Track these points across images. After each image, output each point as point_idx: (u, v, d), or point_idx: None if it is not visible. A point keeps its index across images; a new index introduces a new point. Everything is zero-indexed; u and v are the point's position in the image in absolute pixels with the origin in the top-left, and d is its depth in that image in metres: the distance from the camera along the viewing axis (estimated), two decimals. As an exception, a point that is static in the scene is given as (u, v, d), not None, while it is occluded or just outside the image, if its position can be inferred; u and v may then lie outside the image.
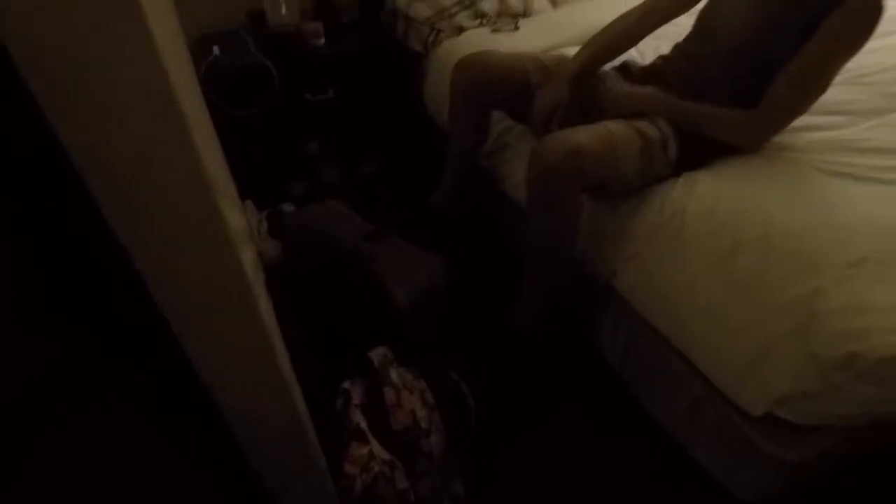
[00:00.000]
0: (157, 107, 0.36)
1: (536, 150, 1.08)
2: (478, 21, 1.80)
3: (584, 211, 1.17)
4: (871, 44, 1.62)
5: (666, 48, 1.34)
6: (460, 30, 1.78)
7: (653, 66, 1.31)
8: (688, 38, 1.27)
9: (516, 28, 1.74)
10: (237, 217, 0.90)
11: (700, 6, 1.25)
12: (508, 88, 1.32)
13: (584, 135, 1.07)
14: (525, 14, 1.86)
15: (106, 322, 0.51)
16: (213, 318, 0.48)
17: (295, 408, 0.59)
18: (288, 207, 1.79)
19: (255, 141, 1.76)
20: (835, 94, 1.38)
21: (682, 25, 1.30)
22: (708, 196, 1.04)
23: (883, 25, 1.74)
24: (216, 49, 1.63)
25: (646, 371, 1.21)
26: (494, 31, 1.74)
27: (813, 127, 1.27)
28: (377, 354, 1.11)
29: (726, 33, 1.17)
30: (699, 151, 1.13)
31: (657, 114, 1.14)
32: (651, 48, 1.48)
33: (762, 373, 0.91)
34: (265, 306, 0.67)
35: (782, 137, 1.22)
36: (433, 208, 1.63)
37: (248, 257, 0.86)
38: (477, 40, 1.71)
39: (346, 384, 1.08)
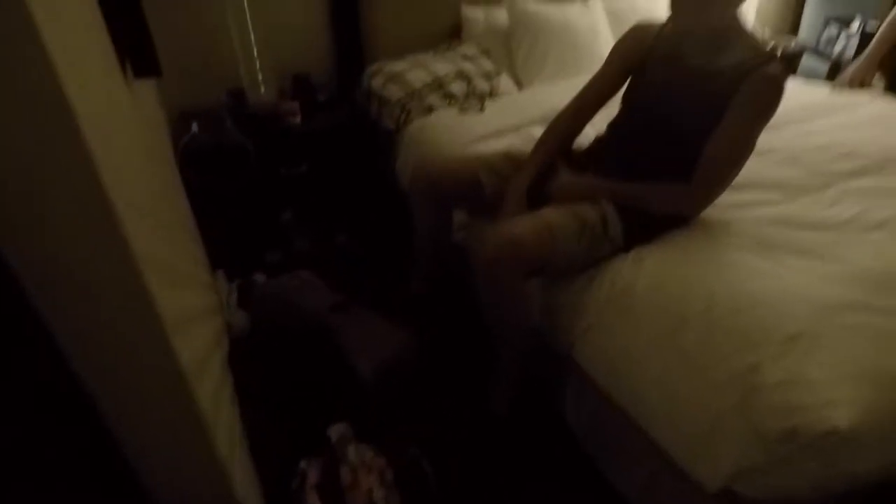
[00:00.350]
0: (87, 206, 0.39)
1: (482, 241, 1.15)
2: (447, 101, 1.92)
3: (537, 288, 1.22)
4: (806, 126, 1.78)
5: (602, 128, 1.42)
6: (430, 110, 1.89)
7: (590, 148, 1.40)
8: (616, 120, 1.36)
9: (482, 109, 1.85)
10: (195, 294, 0.92)
11: (624, 89, 1.36)
12: (461, 192, 1.41)
13: (522, 226, 1.14)
14: (491, 94, 1.99)
15: (35, 403, 0.51)
16: (145, 407, 0.48)
17: (231, 496, 0.59)
18: (259, 277, 1.80)
19: (231, 212, 1.81)
20: (774, 171, 1.49)
21: (615, 107, 1.39)
22: (656, 272, 1.09)
23: (816, 109, 1.90)
24: (195, 126, 1.71)
25: (608, 441, 1.21)
26: (462, 111, 1.86)
27: (754, 203, 1.36)
28: (336, 431, 1.10)
29: (647, 114, 1.27)
30: (646, 227, 1.20)
31: (600, 198, 1.21)
32: (589, 132, 1.57)
33: (714, 447, 0.92)
34: (211, 388, 0.68)
35: (726, 213, 1.30)
36: (408, 294, 1.66)
37: (204, 332, 0.87)
38: (445, 120, 1.82)
39: (303, 464, 1.06)
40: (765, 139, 1.62)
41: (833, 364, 0.87)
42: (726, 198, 1.36)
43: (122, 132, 0.62)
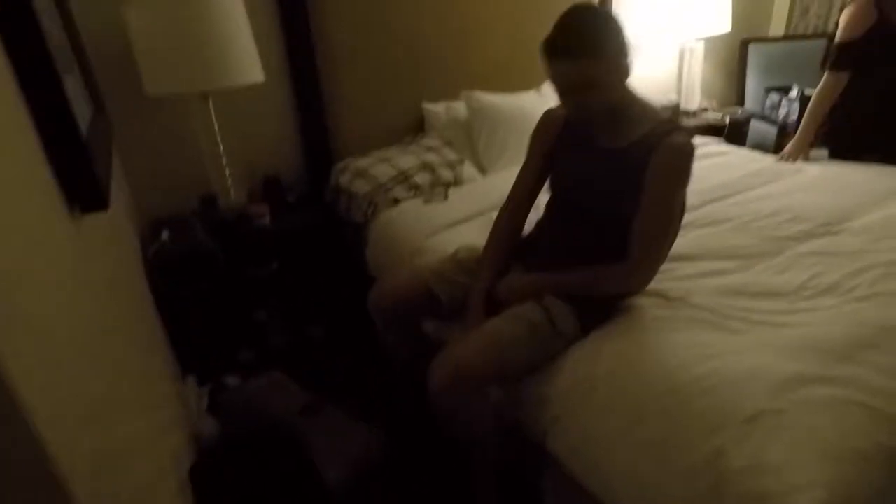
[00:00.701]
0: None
1: (431, 369, 1.14)
2: (412, 192, 1.99)
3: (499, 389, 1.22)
4: (755, 192, 1.85)
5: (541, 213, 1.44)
6: (396, 201, 1.95)
7: (530, 236, 1.42)
8: (547, 206, 1.38)
9: (446, 198, 1.92)
10: (146, 418, 0.90)
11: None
12: (419, 307, 1.40)
13: (466, 349, 1.13)
14: (456, 182, 2.07)
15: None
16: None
17: None
18: (232, 380, 1.77)
19: (202, 315, 1.81)
20: (727, 240, 1.53)
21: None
22: (613, 357, 1.10)
23: (765, 175, 1.99)
24: (165, 234, 1.74)
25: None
26: (427, 201, 1.92)
27: (710, 273, 1.39)
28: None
29: (570, 197, 1.30)
30: (599, 308, 1.21)
31: (546, 293, 1.21)
32: (532, 216, 1.55)
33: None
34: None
35: (684, 283, 1.33)
36: (385, 390, 1.64)
37: (155, 457, 0.84)
38: (410, 211, 1.88)
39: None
40: (718, 209, 1.71)
41: (795, 444, 0.86)
42: (683, 268, 1.41)
43: (53, 277, 0.63)
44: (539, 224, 1.40)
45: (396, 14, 2.14)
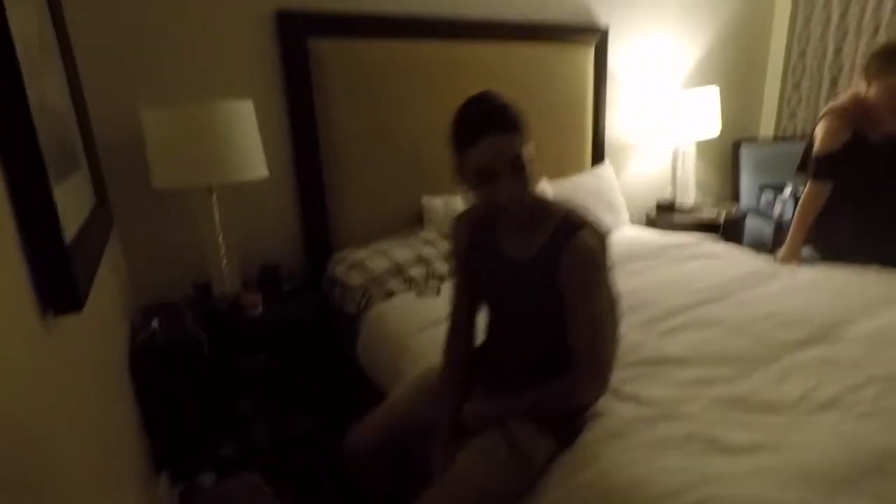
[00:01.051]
0: None
1: None
2: (407, 285, 1.99)
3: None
4: (750, 293, 1.83)
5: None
6: (390, 294, 1.96)
7: (484, 344, 1.34)
8: (490, 322, 1.31)
9: (439, 293, 1.92)
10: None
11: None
12: (397, 449, 1.29)
13: (440, 498, 1.06)
14: (450, 276, 2.08)
15: None
16: None
17: None
18: (206, 479, 1.69)
19: (184, 406, 1.75)
20: (723, 344, 1.49)
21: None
22: (595, 482, 1.02)
23: (760, 276, 1.98)
24: (155, 322, 1.74)
25: None
26: (419, 295, 1.92)
27: (706, 380, 1.33)
28: None
29: (500, 311, 1.24)
30: (569, 419, 1.16)
31: (505, 420, 1.13)
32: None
33: None
34: None
35: (680, 391, 1.27)
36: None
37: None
38: (403, 305, 1.88)
39: None
40: (713, 310, 1.69)
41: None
42: (677, 373, 1.36)
43: (19, 382, 0.62)
44: (487, 330, 1.32)
45: (398, 116, 2.26)
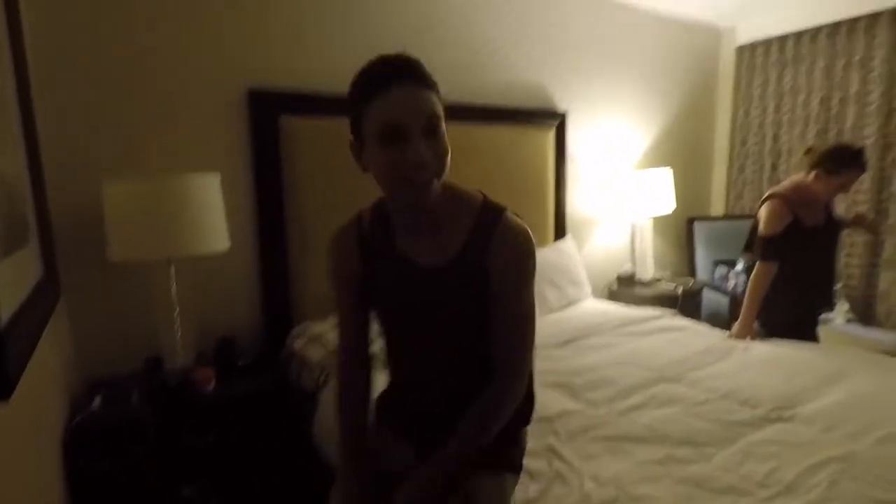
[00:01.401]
0: None
1: None
2: (368, 359, 1.94)
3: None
4: (706, 370, 1.86)
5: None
6: (350, 369, 1.90)
7: (391, 385, 1.23)
8: (395, 355, 1.18)
9: (400, 366, 1.88)
10: None
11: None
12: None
13: None
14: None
15: None
16: None
17: None
18: (140, 578, 1.53)
19: (121, 492, 1.62)
20: (682, 424, 1.50)
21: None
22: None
23: (714, 352, 2.02)
24: (97, 401, 1.63)
25: None
26: (382, 370, 1.87)
27: (668, 460, 1.32)
28: None
29: (421, 336, 1.07)
30: (513, 444, 1.12)
31: (448, 476, 0.97)
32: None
33: None
34: None
35: (644, 470, 1.25)
36: None
37: None
38: (363, 380, 1.82)
39: None
40: (671, 389, 1.70)
41: None
42: (639, 453, 1.34)
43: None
44: (392, 365, 1.17)
45: (364, 191, 2.26)
